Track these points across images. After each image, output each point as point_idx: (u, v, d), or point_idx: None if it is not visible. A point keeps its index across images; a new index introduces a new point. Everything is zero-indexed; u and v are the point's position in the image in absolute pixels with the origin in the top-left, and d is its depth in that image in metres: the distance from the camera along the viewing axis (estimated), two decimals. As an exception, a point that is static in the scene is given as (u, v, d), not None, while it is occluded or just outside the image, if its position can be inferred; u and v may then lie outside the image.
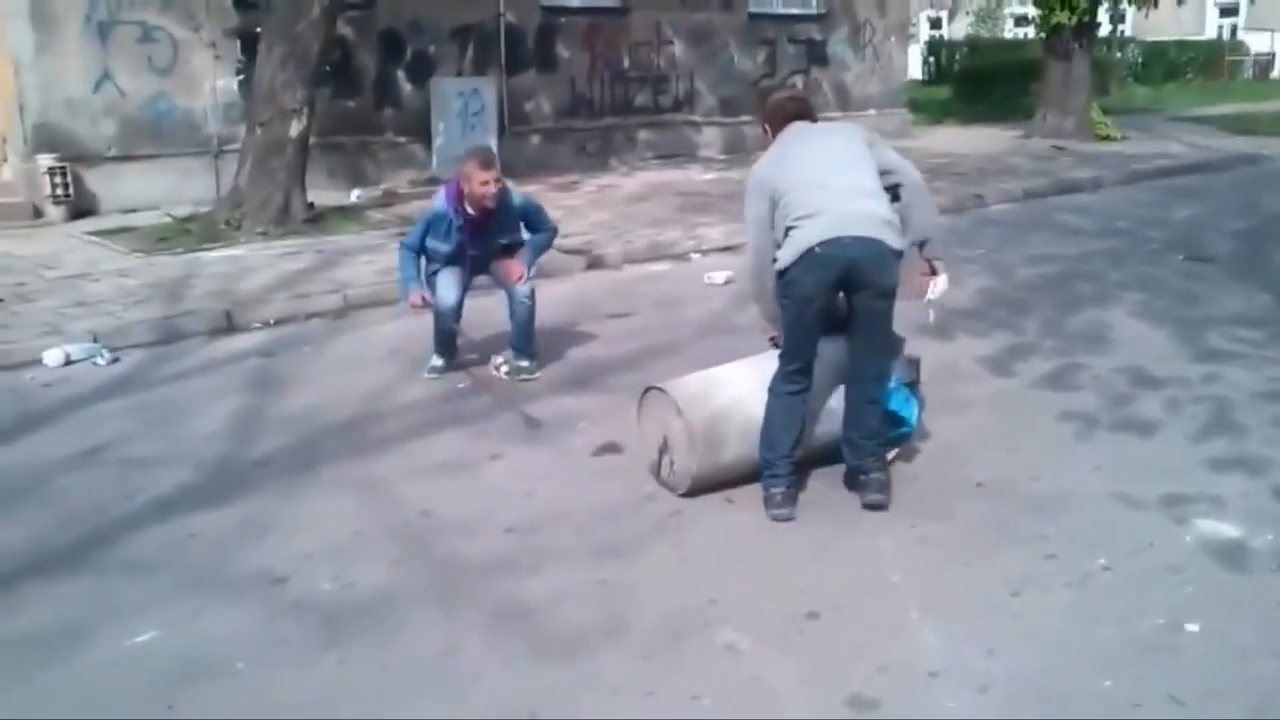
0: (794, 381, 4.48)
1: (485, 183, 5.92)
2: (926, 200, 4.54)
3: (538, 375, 6.38)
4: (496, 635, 3.64)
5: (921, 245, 4.60)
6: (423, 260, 6.22)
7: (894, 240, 4.26)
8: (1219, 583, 3.91)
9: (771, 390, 4.54)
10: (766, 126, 4.68)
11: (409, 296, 6.10)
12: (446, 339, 6.40)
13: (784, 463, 4.52)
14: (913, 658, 3.47)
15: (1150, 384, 6.12)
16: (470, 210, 6.04)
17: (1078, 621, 3.69)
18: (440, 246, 6.14)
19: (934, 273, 4.65)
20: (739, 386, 4.74)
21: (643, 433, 4.94)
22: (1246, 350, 6.72)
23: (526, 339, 6.41)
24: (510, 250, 6.30)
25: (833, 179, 4.32)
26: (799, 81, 17.42)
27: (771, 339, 4.84)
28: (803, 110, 4.70)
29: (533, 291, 6.35)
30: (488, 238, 6.18)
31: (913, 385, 5.02)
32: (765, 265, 4.47)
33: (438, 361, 6.43)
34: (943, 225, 4.51)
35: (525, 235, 6.34)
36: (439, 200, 6.14)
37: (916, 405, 4.98)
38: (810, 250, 4.20)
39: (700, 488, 4.65)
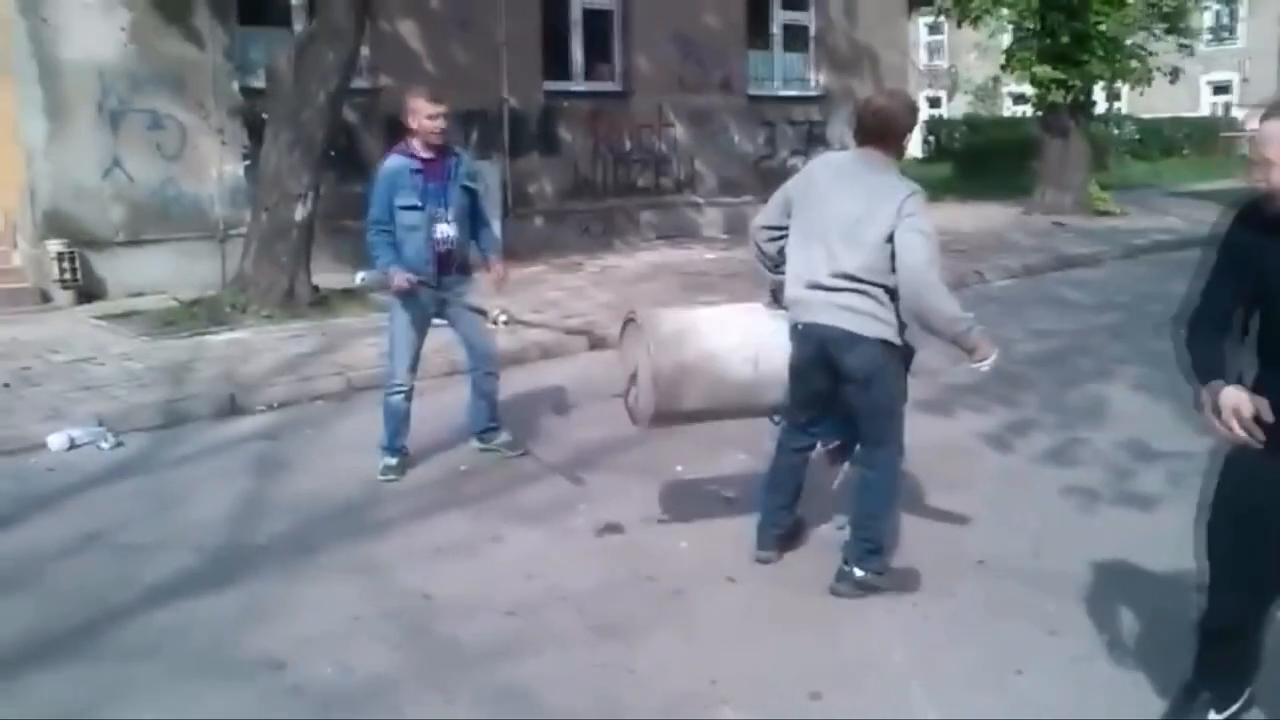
0: (796, 439, 4.68)
1: (434, 116, 5.77)
2: (912, 299, 4.24)
3: (525, 450, 6.38)
4: None
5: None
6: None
7: (858, 326, 4.24)
8: (1224, 659, 3.88)
9: (779, 443, 4.76)
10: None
11: (394, 280, 5.84)
12: (400, 417, 6.12)
13: (782, 512, 4.78)
14: (915, 738, 3.44)
15: (1152, 457, 6.11)
16: (423, 152, 5.86)
17: (1081, 699, 3.66)
18: (410, 201, 5.83)
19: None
20: (717, 341, 4.72)
21: (622, 356, 4.94)
22: (1248, 423, 6.71)
23: (495, 410, 6.37)
24: (474, 210, 6.12)
25: (818, 267, 4.32)
26: (799, 163, 17.62)
27: (773, 294, 4.80)
28: (884, 128, 4.37)
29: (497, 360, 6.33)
30: (449, 184, 5.94)
31: None
32: (756, 233, 4.72)
33: (391, 460, 6.12)
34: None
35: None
36: (390, 158, 5.93)
37: None
38: (795, 327, 4.48)
39: (659, 426, 4.90)
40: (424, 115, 5.78)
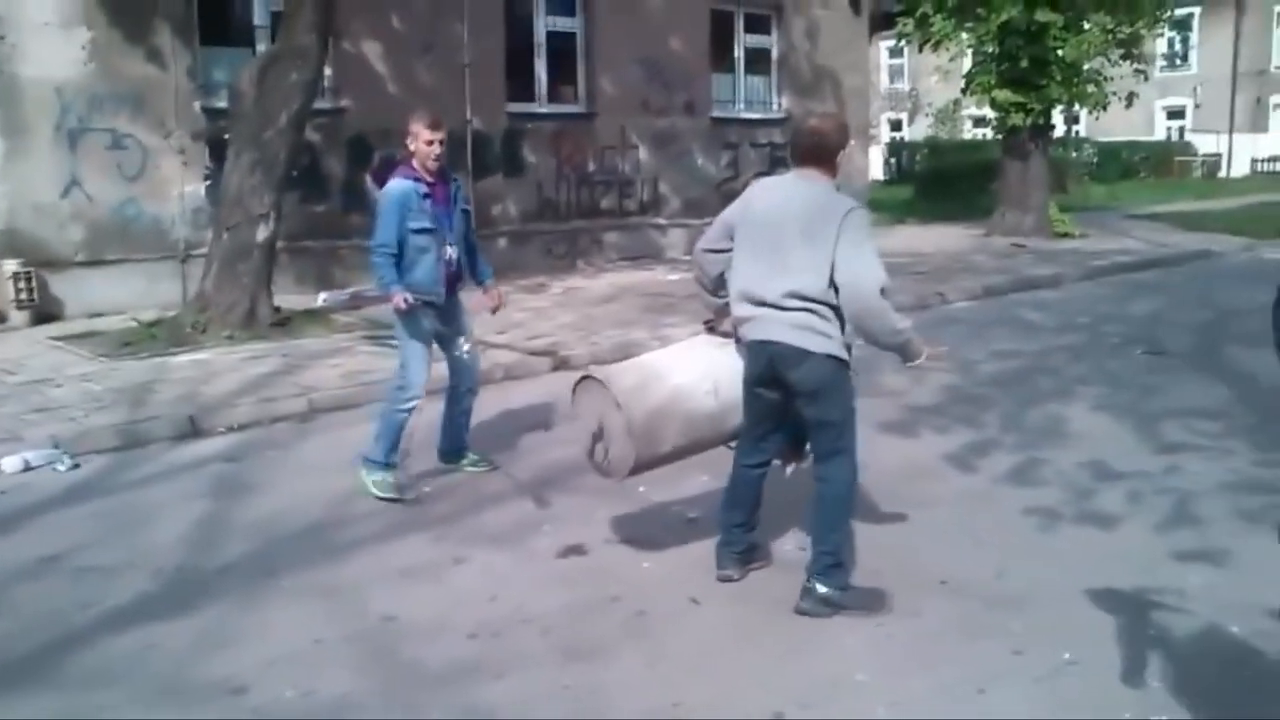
0: (750, 454, 4.74)
1: (431, 142, 5.83)
2: (861, 318, 4.31)
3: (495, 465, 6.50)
4: (459, 743, 3.59)
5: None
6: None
7: (808, 343, 4.31)
8: (1186, 676, 3.90)
9: (735, 460, 4.82)
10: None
11: (394, 299, 5.81)
12: (403, 433, 6.09)
13: (738, 530, 4.80)
14: (881, 758, 3.44)
15: (1112, 477, 6.17)
16: (427, 176, 5.91)
17: (1045, 717, 3.67)
18: (422, 224, 5.86)
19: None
20: (678, 379, 4.77)
21: (577, 413, 4.92)
22: (1206, 442, 6.80)
23: (468, 430, 6.45)
24: (468, 233, 6.23)
25: (766, 286, 4.39)
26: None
27: (706, 323, 5.02)
28: (820, 148, 4.47)
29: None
30: (452, 208, 6.04)
31: None
32: (700, 256, 4.80)
33: (390, 477, 6.03)
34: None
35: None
36: (397, 181, 5.88)
37: None
38: (745, 344, 4.55)
39: (636, 475, 4.86)
40: (422, 140, 5.84)
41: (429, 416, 6.54)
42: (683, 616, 4.52)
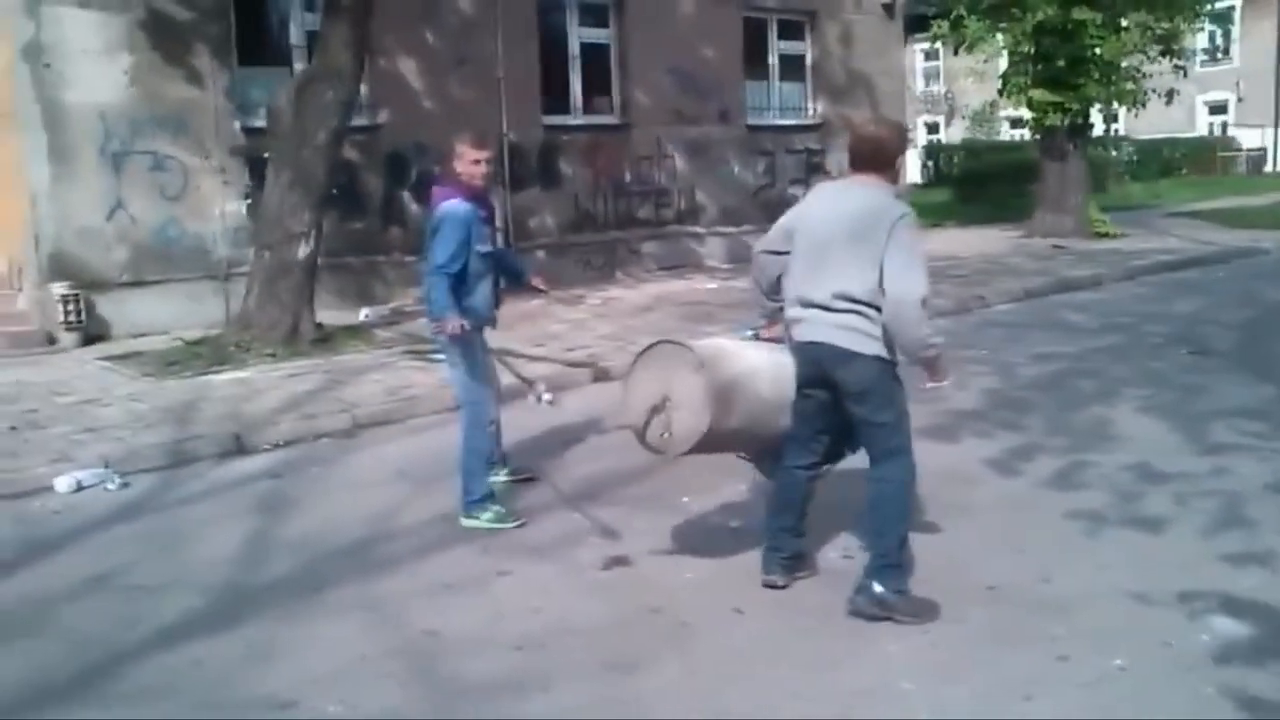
0: (800, 455, 4.73)
1: (477, 161, 5.70)
2: (895, 325, 4.33)
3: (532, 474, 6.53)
4: (505, 755, 3.60)
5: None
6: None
7: (855, 344, 4.35)
8: (1237, 681, 3.86)
9: (783, 463, 4.81)
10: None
11: (449, 326, 5.64)
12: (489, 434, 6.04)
13: (785, 535, 4.79)
14: (927, 767, 3.43)
15: (1158, 479, 6.10)
16: (475, 197, 5.78)
17: (1093, 724, 3.64)
18: (486, 249, 5.81)
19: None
20: (745, 362, 4.77)
21: (631, 389, 4.84)
22: (1254, 442, 6.72)
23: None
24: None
25: (816, 288, 4.45)
26: (799, 192, 17.67)
27: (754, 330, 5.06)
28: (876, 154, 4.50)
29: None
30: (495, 229, 6.03)
31: None
32: (759, 258, 4.82)
33: (501, 509, 5.83)
34: (942, 328, 4.51)
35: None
36: (459, 203, 5.67)
37: None
38: (794, 344, 4.58)
39: (697, 450, 4.70)
40: (468, 160, 5.74)
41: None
42: (726, 626, 4.52)
